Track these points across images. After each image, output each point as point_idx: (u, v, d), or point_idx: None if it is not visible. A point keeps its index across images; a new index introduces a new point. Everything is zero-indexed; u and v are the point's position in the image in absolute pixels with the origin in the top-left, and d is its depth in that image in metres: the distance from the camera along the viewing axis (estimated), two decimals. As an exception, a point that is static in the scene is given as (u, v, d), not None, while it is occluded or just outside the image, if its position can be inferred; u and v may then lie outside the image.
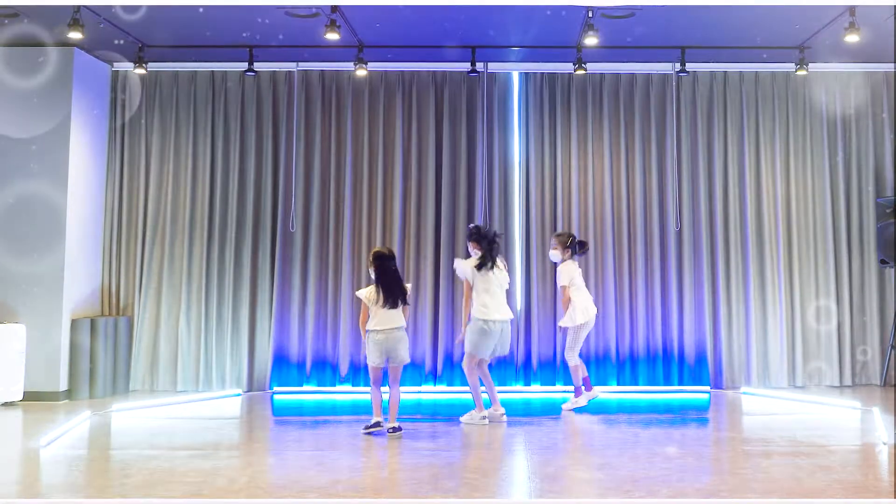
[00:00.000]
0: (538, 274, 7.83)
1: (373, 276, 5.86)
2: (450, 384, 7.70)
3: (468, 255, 6.36)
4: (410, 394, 7.62)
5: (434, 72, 8.03)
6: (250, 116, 7.99)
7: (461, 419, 6.13)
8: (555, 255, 6.82)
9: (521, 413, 6.47)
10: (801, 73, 7.49)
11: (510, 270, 7.60)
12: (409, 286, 6.02)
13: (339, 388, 7.67)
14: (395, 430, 5.62)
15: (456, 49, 7.54)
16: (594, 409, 6.72)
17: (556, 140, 7.99)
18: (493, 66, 8.01)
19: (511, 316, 6.23)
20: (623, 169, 7.96)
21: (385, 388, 5.89)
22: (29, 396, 7.05)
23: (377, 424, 5.71)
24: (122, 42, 7.27)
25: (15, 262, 7.18)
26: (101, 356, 7.32)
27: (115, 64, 7.98)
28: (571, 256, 6.79)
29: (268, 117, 8.00)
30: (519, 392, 7.64)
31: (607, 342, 7.76)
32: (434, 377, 7.79)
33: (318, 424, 6.09)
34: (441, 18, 6.78)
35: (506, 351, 6.24)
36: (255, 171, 7.94)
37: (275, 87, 8.02)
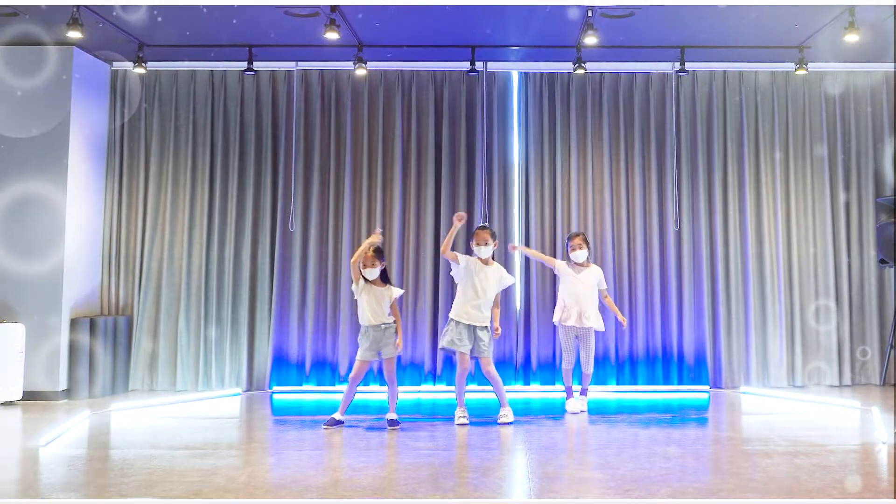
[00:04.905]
0: (538, 274, 7.83)
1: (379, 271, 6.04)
2: (449, 384, 7.69)
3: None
4: (410, 393, 7.62)
5: (433, 71, 8.02)
6: (250, 116, 7.99)
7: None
8: (584, 253, 6.70)
9: (520, 413, 6.46)
10: (801, 72, 7.49)
11: (510, 270, 7.61)
12: (398, 290, 6.15)
13: (338, 387, 7.65)
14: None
15: (455, 48, 7.54)
16: (593, 409, 6.72)
17: (555, 139, 7.99)
18: (493, 66, 8.01)
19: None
20: (622, 168, 7.96)
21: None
22: (28, 396, 7.06)
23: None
24: (121, 42, 7.27)
25: (15, 261, 7.18)
26: (100, 356, 7.32)
27: (114, 63, 7.98)
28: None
29: (267, 117, 8.00)
30: (518, 392, 7.63)
31: (606, 342, 7.76)
32: (434, 377, 7.78)
33: (318, 424, 6.09)
34: (441, 18, 6.78)
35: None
36: (255, 171, 7.94)
37: (274, 87, 8.02)
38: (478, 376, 7.66)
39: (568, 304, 6.65)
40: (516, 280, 7.82)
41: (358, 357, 6.00)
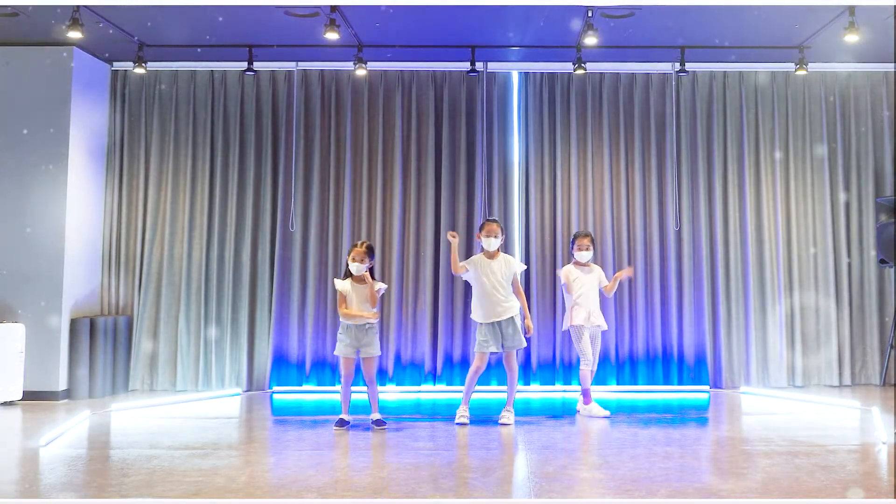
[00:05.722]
0: (538, 274, 7.83)
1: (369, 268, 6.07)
2: (449, 384, 7.70)
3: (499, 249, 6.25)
4: (410, 393, 7.63)
5: (434, 71, 8.02)
6: (250, 116, 7.99)
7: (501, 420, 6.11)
8: (589, 255, 6.65)
9: (520, 413, 6.46)
10: (801, 72, 7.49)
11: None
12: (381, 285, 6.11)
13: (338, 387, 7.64)
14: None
15: (455, 48, 7.54)
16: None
17: (555, 140, 7.99)
18: (493, 66, 8.01)
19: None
20: (623, 168, 7.96)
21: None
22: (28, 396, 7.06)
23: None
24: (121, 42, 7.27)
25: (14, 261, 7.18)
26: (100, 356, 7.32)
27: (114, 63, 7.98)
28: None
29: (267, 117, 8.00)
30: (518, 392, 7.60)
31: (606, 342, 7.74)
32: (434, 377, 7.78)
33: (318, 424, 6.09)
34: (441, 18, 6.77)
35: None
36: (255, 171, 7.94)
37: (274, 87, 8.02)
38: (480, 375, 7.64)
39: (581, 303, 6.52)
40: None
41: (340, 354, 5.99)
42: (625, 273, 6.79)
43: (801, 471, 4.53)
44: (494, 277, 6.08)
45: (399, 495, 4.07)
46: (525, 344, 6.20)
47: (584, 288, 6.55)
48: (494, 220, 6.25)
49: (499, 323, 6.07)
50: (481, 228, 6.24)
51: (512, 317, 6.08)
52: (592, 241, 6.70)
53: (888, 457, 4.90)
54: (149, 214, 7.87)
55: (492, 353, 6.12)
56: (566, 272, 6.64)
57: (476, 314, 6.15)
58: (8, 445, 5.54)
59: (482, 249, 6.22)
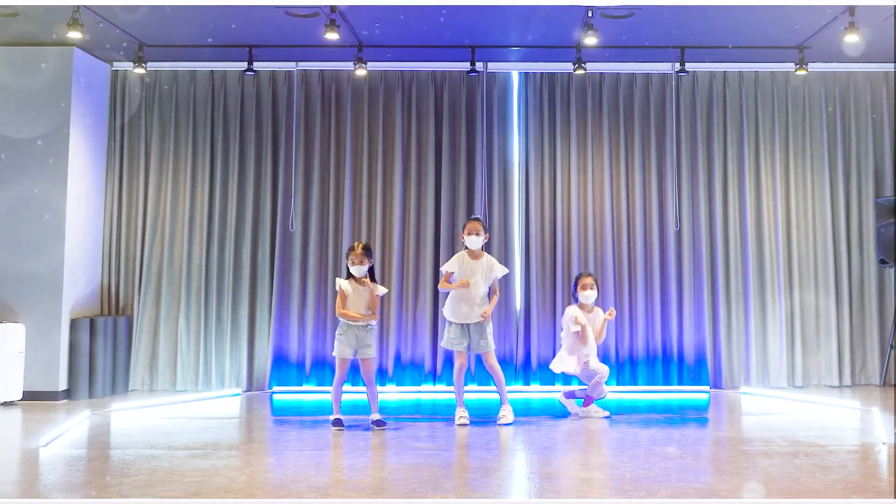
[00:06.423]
0: (538, 274, 7.83)
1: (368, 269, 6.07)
2: (449, 384, 7.68)
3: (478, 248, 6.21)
4: (410, 393, 7.63)
5: (433, 71, 8.02)
6: (250, 116, 7.99)
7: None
8: (595, 295, 6.50)
9: (520, 413, 6.46)
10: (801, 73, 7.49)
11: (511, 265, 7.63)
12: (382, 289, 6.12)
13: (338, 387, 7.66)
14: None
15: (455, 49, 7.54)
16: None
17: (555, 140, 7.99)
18: (493, 66, 8.00)
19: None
20: (622, 169, 7.96)
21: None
22: (28, 396, 7.06)
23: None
24: (121, 42, 7.27)
25: (14, 261, 7.18)
26: (100, 356, 7.32)
27: (114, 63, 7.98)
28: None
29: (267, 117, 8.00)
30: (518, 392, 7.63)
31: (606, 342, 7.74)
32: (434, 377, 7.78)
33: (318, 424, 6.09)
34: (441, 18, 6.77)
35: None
36: (255, 171, 7.94)
37: (274, 87, 8.02)
38: (478, 375, 7.67)
39: (581, 352, 6.34)
40: (516, 281, 7.81)
41: (338, 355, 5.94)
42: (608, 316, 6.57)
43: (801, 471, 4.53)
44: (475, 278, 6.08)
45: (399, 495, 4.06)
46: (491, 348, 6.10)
47: (588, 332, 6.38)
48: (477, 219, 6.22)
49: (467, 325, 6.08)
50: (464, 227, 6.23)
51: (480, 321, 6.07)
52: (597, 281, 6.56)
53: (888, 457, 4.90)
54: (149, 214, 7.87)
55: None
56: (577, 316, 6.37)
57: (447, 311, 6.14)
58: (8, 445, 5.54)
59: (465, 248, 6.21)
